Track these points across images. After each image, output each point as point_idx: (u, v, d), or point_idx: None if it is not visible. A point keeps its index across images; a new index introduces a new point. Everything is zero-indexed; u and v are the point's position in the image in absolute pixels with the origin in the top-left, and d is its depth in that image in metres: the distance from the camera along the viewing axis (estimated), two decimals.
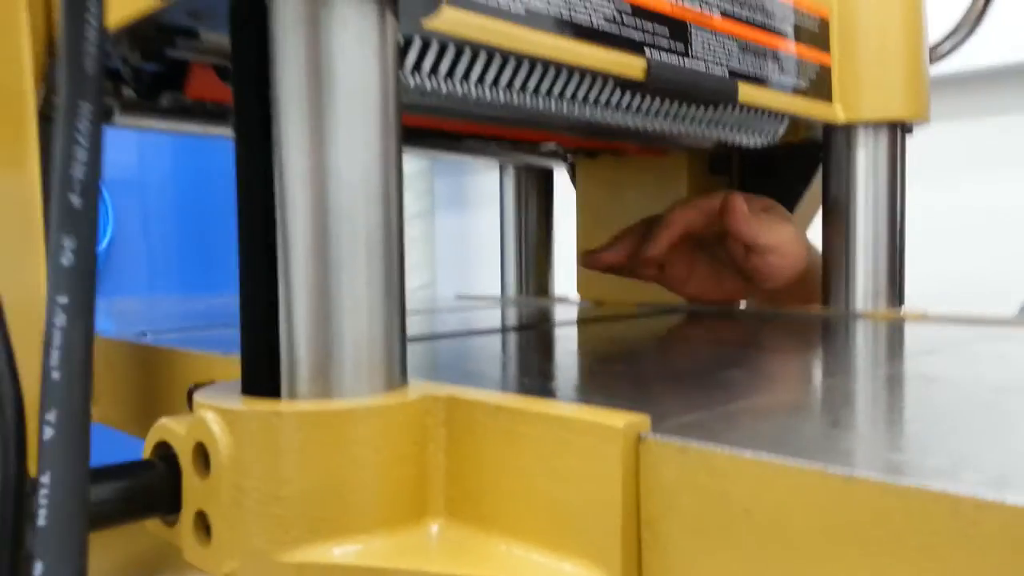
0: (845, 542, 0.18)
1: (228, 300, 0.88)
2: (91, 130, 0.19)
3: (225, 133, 0.55)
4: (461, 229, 2.17)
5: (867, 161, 0.61)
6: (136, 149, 1.53)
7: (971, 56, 0.77)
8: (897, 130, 0.61)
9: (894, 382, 0.31)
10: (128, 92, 0.43)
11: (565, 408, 0.23)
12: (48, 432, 0.19)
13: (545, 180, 0.87)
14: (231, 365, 0.36)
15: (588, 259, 0.70)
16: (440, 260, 2.18)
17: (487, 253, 1.94)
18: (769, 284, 0.65)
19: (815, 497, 0.18)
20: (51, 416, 0.19)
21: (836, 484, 0.18)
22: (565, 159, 0.81)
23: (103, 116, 0.20)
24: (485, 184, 2.08)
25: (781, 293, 0.69)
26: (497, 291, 0.89)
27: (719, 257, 0.68)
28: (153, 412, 0.42)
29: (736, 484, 0.19)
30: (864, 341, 0.46)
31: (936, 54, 0.72)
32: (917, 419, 0.25)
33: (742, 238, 0.63)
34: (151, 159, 1.55)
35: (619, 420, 0.22)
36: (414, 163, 2.00)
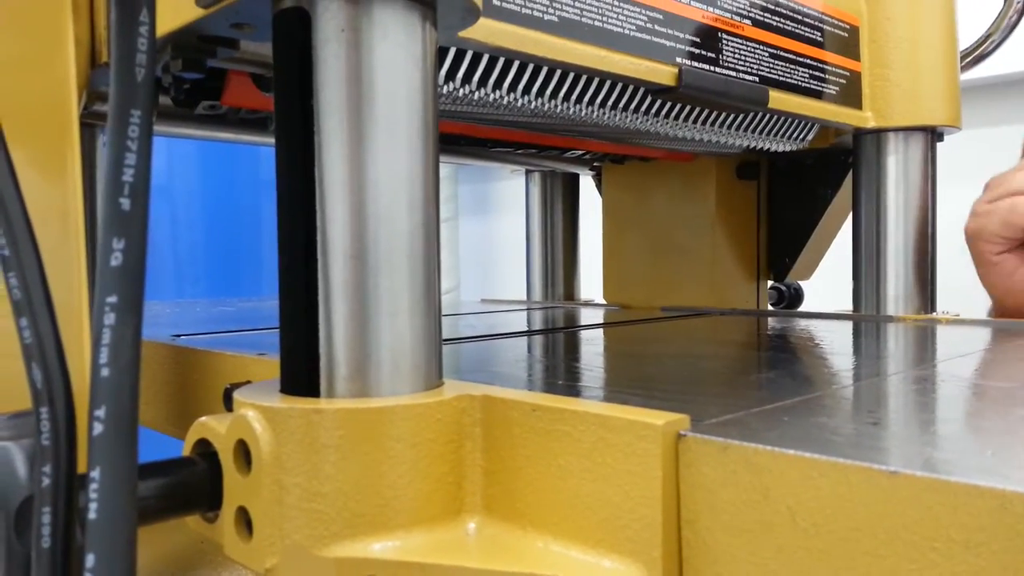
0: (890, 539, 0.18)
1: (256, 304, 0.89)
2: (141, 136, 0.20)
3: (256, 140, 0.56)
4: (484, 234, 2.18)
5: (897, 167, 0.60)
6: (165, 155, 1.55)
7: (1004, 62, 0.76)
8: (928, 136, 0.60)
9: (928, 383, 0.31)
10: (164, 99, 0.44)
11: (603, 407, 0.24)
12: (98, 428, 0.19)
13: (571, 185, 0.87)
14: (265, 366, 0.36)
15: None
16: (463, 265, 2.19)
17: (510, 258, 1.94)
18: None
19: (859, 494, 0.18)
20: (100, 412, 0.19)
21: (880, 480, 0.18)
22: (591, 165, 0.81)
23: (152, 123, 0.21)
24: (508, 190, 2.09)
25: None
26: (520, 295, 0.89)
27: None
28: (188, 412, 0.42)
29: (778, 482, 0.19)
30: (895, 343, 0.46)
31: (967, 61, 0.71)
32: (955, 419, 0.25)
33: None
34: (179, 165, 1.57)
35: (659, 418, 0.22)
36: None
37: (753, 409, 0.25)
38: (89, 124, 0.44)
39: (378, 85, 0.25)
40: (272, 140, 0.33)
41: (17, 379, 0.27)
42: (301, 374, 0.27)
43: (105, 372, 0.19)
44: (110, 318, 0.19)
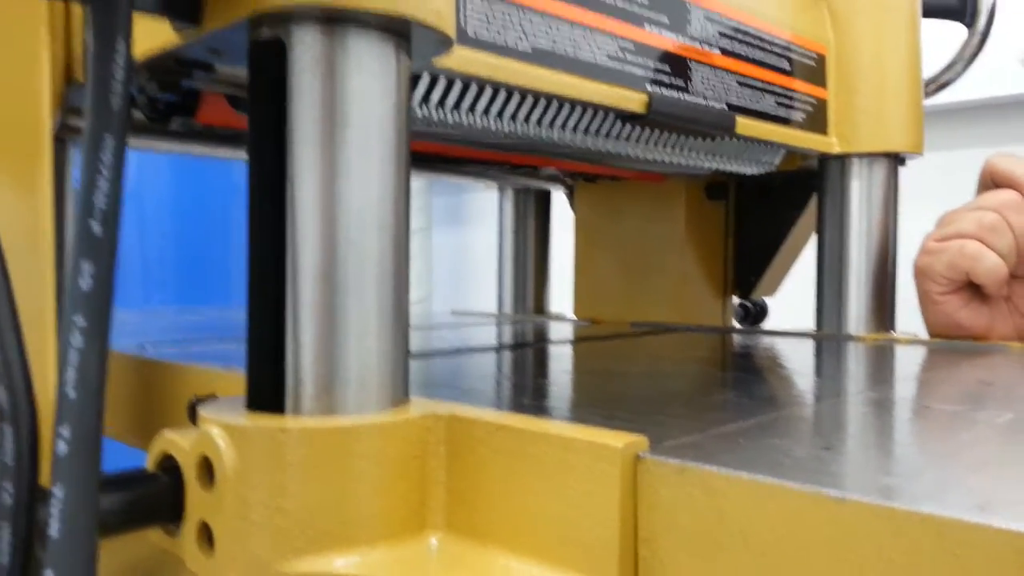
0: (837, 562, 0.18)
1: (223, 313, 0.89)
2: (113, 162, 0.20)
3: (229, 155, 0.56)
4: (457, 245, 2.18)
5: (861, 191, 0.62)
6: (135, 158, 1.54)
7: (966, 89, 0.78)
8: (891, 161, 0.62)
9: (880, 406, 0.32)
10: (138, 115, 0.44)
11: (565, 428, 0.24)
12: (62, 447, 0.19)
13: (543, 201, 0.88)
14: (230, 380, 0.36)
15: None
16: (435, 275, 2.19)
17: (482, 269, 1.95)
18: None
19: (808, 518, 0.19)
20: (65, 432, 0.19)
21: (828, 505, 0.18)
22: (564, 183, 0.82)
23: (124, 149, 0.21)
24: (482, 202, 2.10)
25: None
26: (492, 307, 0.90)
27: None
28: (152, 424, 0.42)
29: (732, 504, 0.20)
30: (855, 364, 0.47)
31: (931, 88, 0.73)
32: (903, 443, 0.26)
33: None
34: (148, 169, 1.56)
35: (618, 440, 0.22)
36: (412, 181, 2.01)
37: (711, 431, 0.26)
38: (64, 140, 0.44)
39: (352, 115, 0.26)
40: (244, 155, 0.33)
41: None
42: (267, 391, 0.27)
43: (72, 394, 0.19)
44: (77, 340, 0.19)
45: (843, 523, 0.18)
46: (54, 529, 0.18)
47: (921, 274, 0.59)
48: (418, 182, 2.07)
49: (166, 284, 1.57)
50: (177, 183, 1.59)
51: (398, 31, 0.26)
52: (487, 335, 0.65)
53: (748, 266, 0.77)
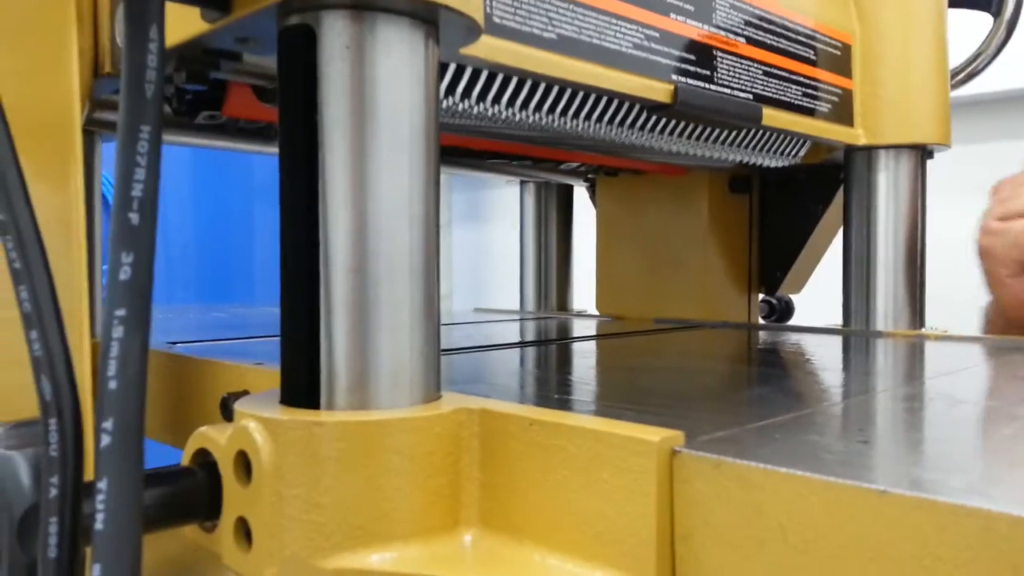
0: (878, 557, 0.18)
1: (247, 310, 0.89)
2: (150, 151, 0.20)
3: (254, 149, 0.56)
4: (477, 242, 2.18)
5: (888, 184, 0.61)
6: None
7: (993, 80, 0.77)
8: (918, 154, 0.61)
9: (916, 401, 0.32)
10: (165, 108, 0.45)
11: (600, 422, 0.24)
12: (105, 440, 0.19)
13: (565, 196, 0.88)
14: (261, 375, 0.36)
15: None
16: (457, 273, 2.20)
17: (503, 266, 1.95)
18: None
19: (848, 512, 0.19)
20: (108, 424, 0.19)
21: (870, 499, 0.18)
22: (586, 177, 0.81)
23: (160, 139, 0.21)
24: (501, 198, 2.09)
25: None
26: (512, 303, 0.90)
27: None
28: (183, 420, 0.42)
29: (771, 499, 0.20)
30: (884, 359, 0.47)
31: (957, 80, 0.72)
32: (941, 438, 0.25)
33: None
34: (171, 168, 1.58)
35: (654, 435, 0.22)
36: None
37: (746, 425, 0.26)
38: (89, 131, 0.44)
39: (381, 102, 0.26)
40: (269, 149, 0.33)
41: (16, 388, 0.28)
42: (302, 386, 0.27)
43: (112, 384, 0.19)
44: (118, 331, 0.19)
45: (886, 517, 0.18)
46: (100, 522, 0.19)
47: (986, 255, 0.58)
48: None
49: (189, 282, 1.59)
50: (199, 182, 1.60)
51: (427, 18, 0.26)
52: (511, 332, 0.65)
53: (773, 262, 0.76)
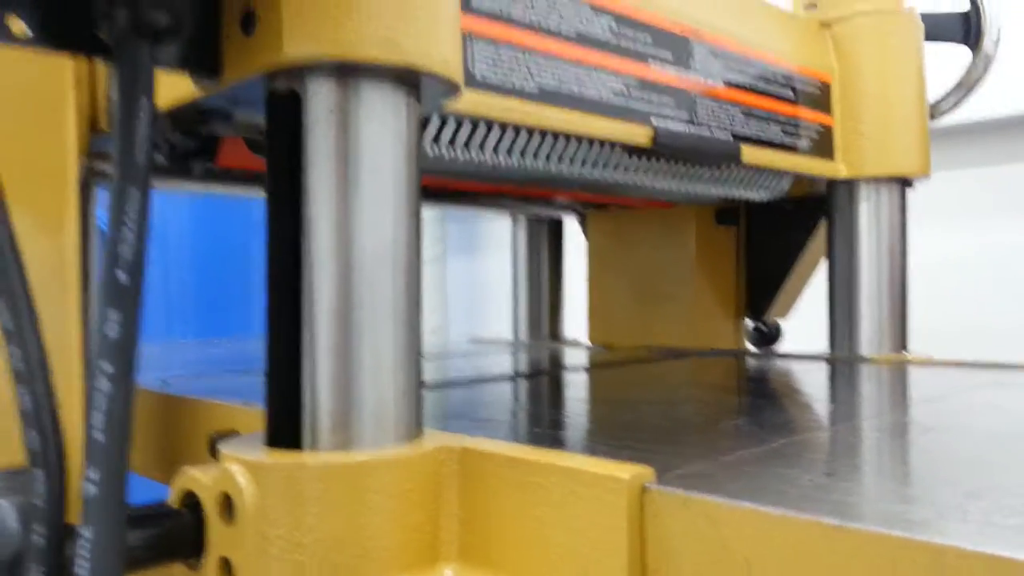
0: None
1: (243, 344, 0.90)
2: (138, 214, 0.21)
3: (248, 194, 0.57)
4: (473, 272, 2.20)
5: (869, 213, 0.62)
6: (156, 198, 1.56)
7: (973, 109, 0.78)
8: (898, 184, 0.62)
9: (889, 430, 0.32)
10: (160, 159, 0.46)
11: (574, 460, 0.25)
12: (91, 489, 0.20)
13: (556, 228, 0.89)
14: (250, 415, 0.37)
15: None
16: (452, 303, 2.20)
17: (498, 296, 1.96)
18: None
19: (808, 546, 0.19)
20: (94, 475, 0.20)
21: (827, 533, 0.19)
22: (576, 211, 0.83)
23: (148, 203, 0.22)
24: (496, 229, 2.11)
25: None
26: (508, 333, 0.91)
27: None
28: (174, 459, 0.43)
29: (736, 534, 0.21)
30: (865, 387, 0.47)
31: (937, 111, 0.73)
32: (904, 472, 0.26)
33: None
34: (169, 203, 1.59)
35: (625, 472, 0.23)
36: (427, 211, 2.03)
37: (719, 459, 0.27)
38: (89, 184, 0.45)
39: (364, 162, 0.27)
40: (263, 194, 0.34)
41: (6, 434, 0.28)
42: (285, 427, 0.28)
43: (99, 437, 0.20)
44: (105, 385, 0.20)
45: (842, 551, 0.19)
46: (83, 569, 0.19)
47: None
48: (433, 211, 2.09)
49: (187, 317, 1.59)
50: (198, 218, 1.62)
51: (408, 80, 0.27)
52: (503, 363, 0.66)
53: (760, 289, 0.77)
